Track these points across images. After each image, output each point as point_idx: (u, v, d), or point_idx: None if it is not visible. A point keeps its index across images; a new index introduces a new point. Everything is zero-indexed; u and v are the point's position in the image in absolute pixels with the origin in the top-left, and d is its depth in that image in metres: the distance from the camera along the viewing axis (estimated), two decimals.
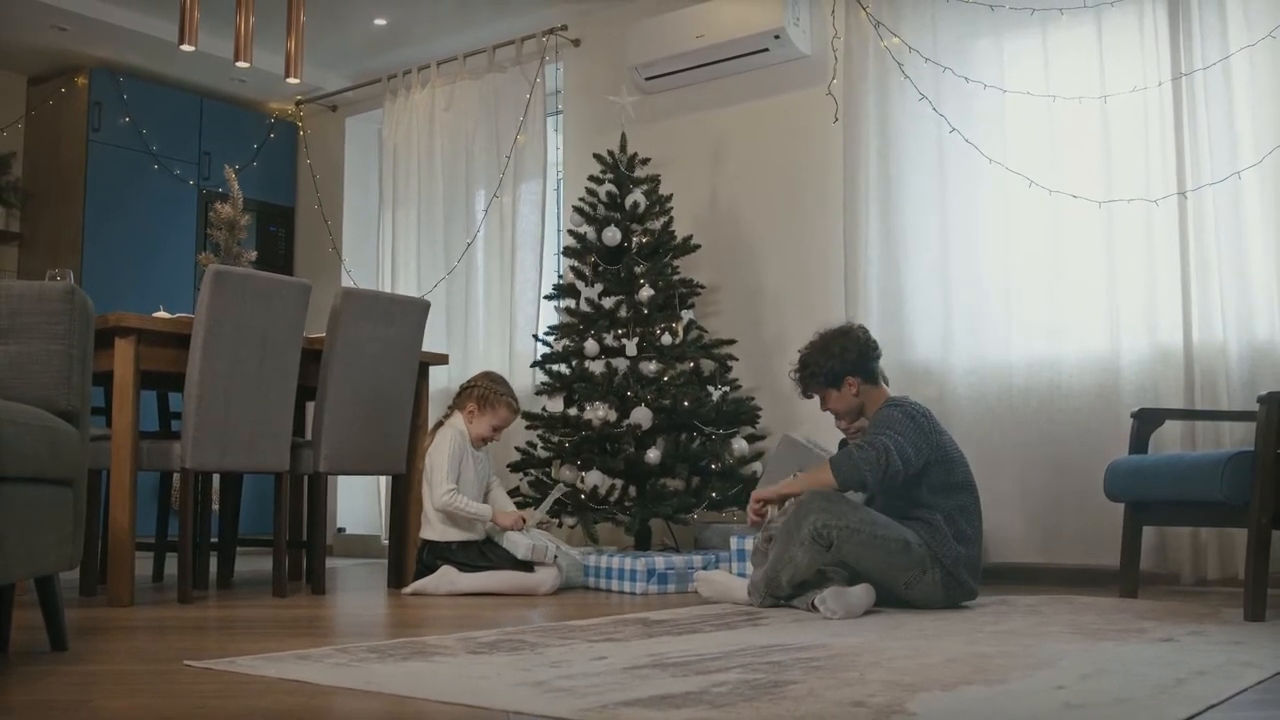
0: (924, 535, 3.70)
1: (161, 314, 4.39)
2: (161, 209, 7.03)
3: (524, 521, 4.56)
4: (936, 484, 3.80)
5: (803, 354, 4.09)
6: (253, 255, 4.81)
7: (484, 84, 6.63)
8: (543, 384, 5.26)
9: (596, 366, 5.02)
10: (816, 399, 4.13)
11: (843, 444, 4.08)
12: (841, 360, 3.99)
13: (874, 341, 4.09)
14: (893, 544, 3.63)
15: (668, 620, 3.42)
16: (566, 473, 4.90)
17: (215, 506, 5.28)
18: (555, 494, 4.77)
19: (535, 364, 5.46)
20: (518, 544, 4.46)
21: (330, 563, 6.05)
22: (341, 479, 6.96)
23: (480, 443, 4.69)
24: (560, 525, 4.97)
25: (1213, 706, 2.03)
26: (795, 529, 3.64)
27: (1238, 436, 4.27)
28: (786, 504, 3.87)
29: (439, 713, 2.00)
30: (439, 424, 4.72)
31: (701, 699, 2.05)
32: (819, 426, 4.60)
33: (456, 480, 4.52)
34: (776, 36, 5.45)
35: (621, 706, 1.98)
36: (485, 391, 4.68)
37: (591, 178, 5.32)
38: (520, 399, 5.85)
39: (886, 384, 4.10)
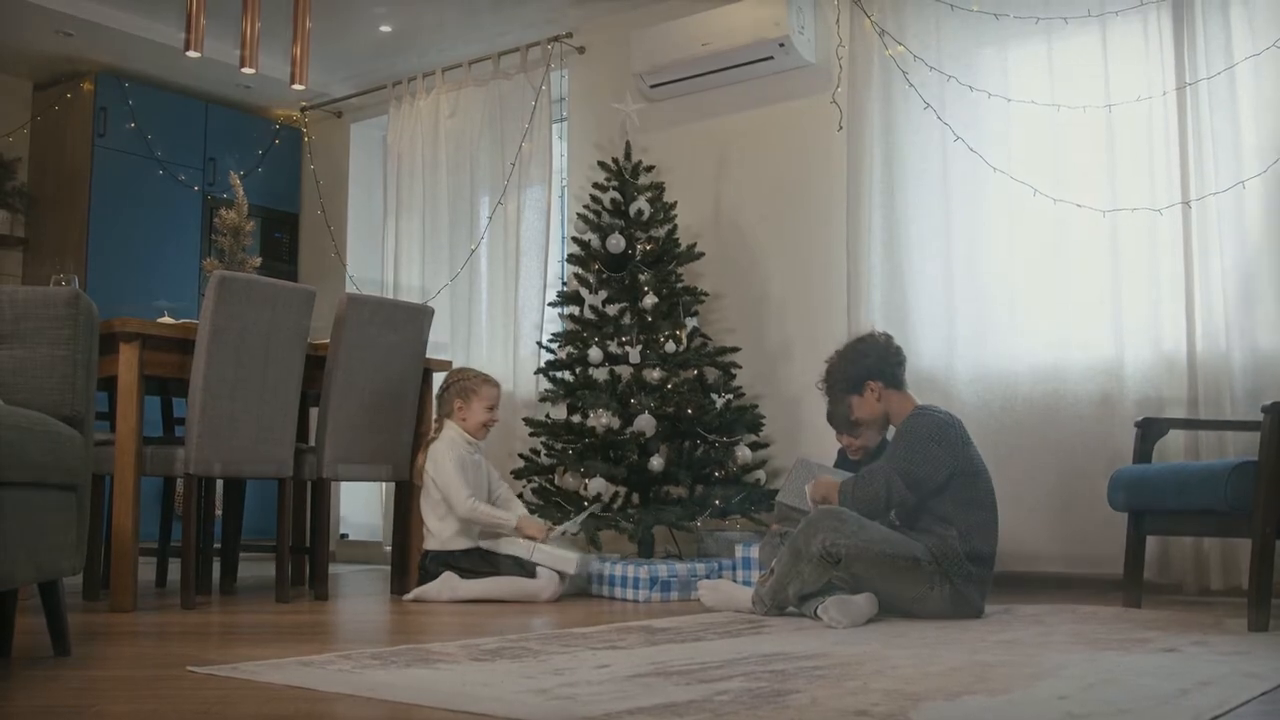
0: (935, 550, 3.68)
1: (166, 319, 4.40)
2: (166, 214, 7.04)
3: (548, 532, 4.56)
4: (959, 498, 3.75)
5: (828, 362, 4.09)
6: (257, 261, 4.81)
7: (489, 91, 6.63)
8: (546, 391, 5.26)
9: (600, 373, 5.02)
10: (833, 422, 4.14)
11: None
12: (858, 365, 3.98)
13: (896, 347, 4.06)
14: (902, 562, 3.62)
15: (670, 628, 3.41)
16: (599, 483, 4.85)
17: (218, 512, 5.28)
18: (590, 511, 4.75)
19: (539, 371, 5.47)
20: (558, 559, 4.48)
21: (333, 568, 6.05)
22: (344, 485, 6.96)
23: (483, 430, 4.71)
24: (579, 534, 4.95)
25: (1217, 718, 2.02)
26: (804, 546, 3.63)
27: (1241, 446, 4.26)
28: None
29: None
30: (429, 442, 4.71)
31: (704, 707, 2.05)
32: (824, 435, 4.59)
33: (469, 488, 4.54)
34: (781, 44, 5.45)
35: (625, 715, 1.98)
36: (462, 384, 4.71)
37: (596, 185, 5.33)
38: (524, 406, 5.89)
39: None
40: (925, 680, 2.37)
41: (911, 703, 2.10)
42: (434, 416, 4.83)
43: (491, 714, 2.01)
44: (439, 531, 4.54)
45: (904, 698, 2.15)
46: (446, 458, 4.57)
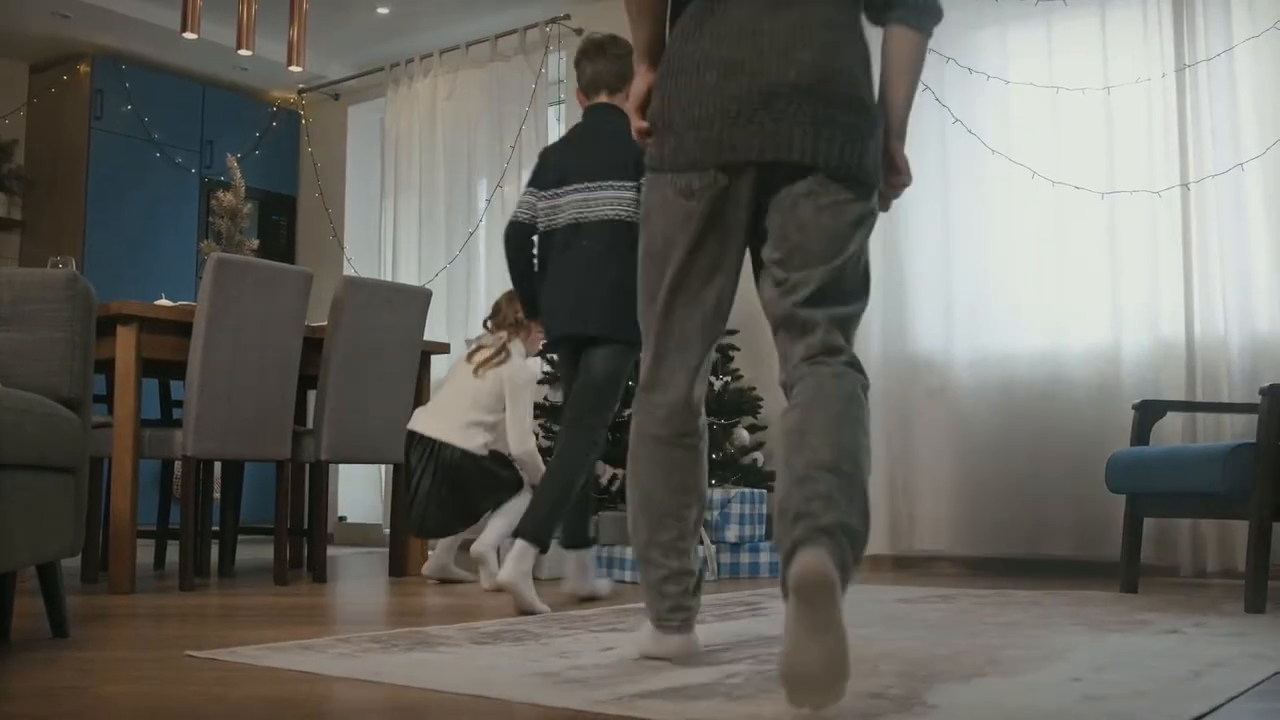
0: None
1: (163, 302, 4.39)
2: (163, 197, 7.02)
3: None
4: None
5: None
6: (255, 244, 4.80)
7: (487, 73, 6.62)
8: (545, 374, 5.25)
9: None
10: None
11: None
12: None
13: None
14: None
15: None
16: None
17: (216, 494, 5.28)
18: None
19: (538, 354, 5.45)
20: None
21: (331, 551, 6.06)
22: (343, 467, 6.97)
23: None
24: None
25: (1233, 699, 2.02)
26: None
27: (1238, 429, 4.27)
28: None
29: (449, 704, 1.99)
30: (499, 350, 4.28)
31: (717, 690, 2.05)
32: None
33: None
34: None
35: (637, 699, 1.96)
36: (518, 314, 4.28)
37: None
38: None
39: None
40: (935, 663, 2.36)
41: (925, 685, 2.09)
42: (487, 326, 4.46)
43: (504, 698, 2.00)
44: (469, 438, 4.19)
45: (916, 680, 2.15)
46: (530, 385, 4.19)
